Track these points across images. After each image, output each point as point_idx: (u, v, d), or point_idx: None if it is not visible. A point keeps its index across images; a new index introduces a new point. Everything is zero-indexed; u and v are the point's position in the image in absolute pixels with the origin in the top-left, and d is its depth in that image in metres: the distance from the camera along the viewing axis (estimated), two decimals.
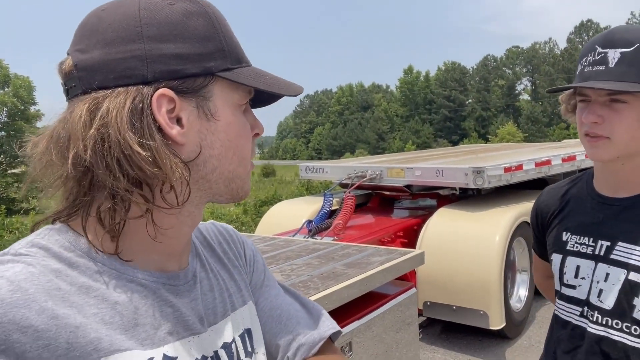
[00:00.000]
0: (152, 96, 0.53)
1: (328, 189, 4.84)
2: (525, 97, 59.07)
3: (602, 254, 1.06)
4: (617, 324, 1.03)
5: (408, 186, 4.47)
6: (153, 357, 0.54)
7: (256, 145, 0.65)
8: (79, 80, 0.54)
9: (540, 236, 1.28)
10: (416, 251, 2.59)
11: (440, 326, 4.21)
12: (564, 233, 1.15)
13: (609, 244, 1.06)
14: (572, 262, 1.12)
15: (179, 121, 0.55)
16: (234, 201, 0.62)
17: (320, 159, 58.89)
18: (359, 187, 4.62)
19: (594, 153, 1.03)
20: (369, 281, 2.15)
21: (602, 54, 0.99)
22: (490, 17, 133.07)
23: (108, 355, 0.51)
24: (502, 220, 3.78)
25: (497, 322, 3.58)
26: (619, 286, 1.02)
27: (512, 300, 3.96)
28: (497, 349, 3.82)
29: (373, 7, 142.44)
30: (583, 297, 1.09)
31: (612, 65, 0.98)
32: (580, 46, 52.26)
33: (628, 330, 1.01)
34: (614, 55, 0.98)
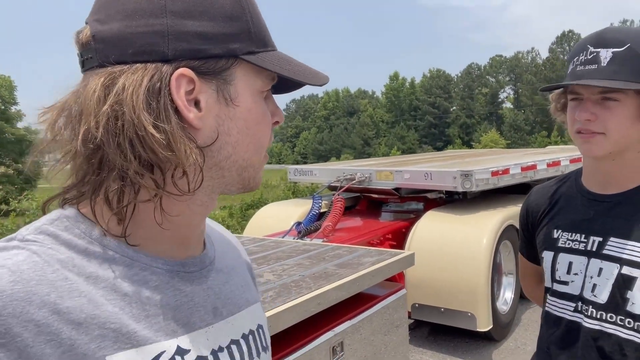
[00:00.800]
0: (171, 75, 0.50)
1: (317, 191, 4.84)
2: (508, 105, 60.07)
3: (594, 249, 1.09)
4: (611, 317, 1.05)
5: (396, 189, 4.49)
6: (164, 351, 0.51)
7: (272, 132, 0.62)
8: (95, 53, 0.51)
9: (529, 237, 1.30)
10: (406, 252, 2.61)
11: (428, 328, 4.23)
12: (555, 230, 1.17)
13: (601, 239, 1.08)
14: (564, 258, 1.13)
15: (197, 104, 0.52)
16: (245, 191, 0.60)
17: (305, 163, 58.85)
18: (348, 190, 4.63)
19: (588, 149, 1.05)
20: (360, 281, 2.15)
21: (595, 54, 1.02)
22: (475, 27, 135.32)
23: (116, 351, 0.48)
24: (489, 224, 3.83)
25: (484, 324, 3.61)
26: (612, 280, 1.05)
27: (498, 302, 4.01)
28: (484, 351, 3.86)
29: (360, 13, 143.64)
30: (576, 292, 1.11)
31: (604, 64, 1.00)
32: (561, 56, 53.44)
33: (622, 323, 1.04)
34: (606, 54, 1.00)
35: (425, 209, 4.45)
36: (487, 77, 61.37)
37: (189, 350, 0.54)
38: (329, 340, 1.95)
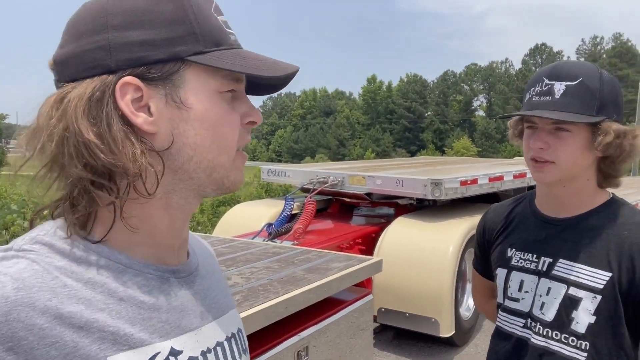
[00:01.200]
0: (115, 84, 0.53)
1: (289, 192, 4.85)
2: (481, 113, 61.42)
3: (544, 269, 1.14)
4: (556, 335, 1.11)
5: (368, 194, 4.55)
6: (159, 352, 0.54)
7: (248, 132, 0.62)
8: (57, 74, 0.56)
9: (484, 253, 1.35)
10: (375, 258, 2.65)
11: (393, 332, 4.30)
12: (509, 249, 1.23)
13: (551, 260, 1.14)
14: (516, 276, 1.19)
15: (148, 109, 0.54)
16: (223, 192, 0.61)
17: (280, 161, 58.62)
18: (320, 193, 4.66)
19: (540, 176, 1.12)
20: (328, 287, 2.18)
21: (549, 86, 1.08)
22: (452, 34, 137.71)
23: (116, 353, 0.51)
24: (456, 232, 3.92)
25: (447, 330, 3.70)
26: (559, 300, 1.10)
27: (461, 308, 4.11)
28: (446, 356, 3.95)
29: (340, 14, 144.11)
30: (526, 309, 1.16)
31: (558, 97, 1.07)
32: (534, 68, 55.06)
33: (566, 341, 1.09)
34: (559, 87, 1.07)
35: (396, 215, 4.53)
36: (462, 84, 62.60)
37: (181, 351, 0.57)
38: (295, 344, 1.97)
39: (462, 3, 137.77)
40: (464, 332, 4.05)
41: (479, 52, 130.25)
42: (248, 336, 1.69)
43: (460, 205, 4.67)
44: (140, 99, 0.54)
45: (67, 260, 0.52)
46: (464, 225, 4.02)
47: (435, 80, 63.34)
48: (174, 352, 0.56)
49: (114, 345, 0.51)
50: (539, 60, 58.21)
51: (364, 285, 3.42)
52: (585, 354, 1.07)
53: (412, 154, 47.76)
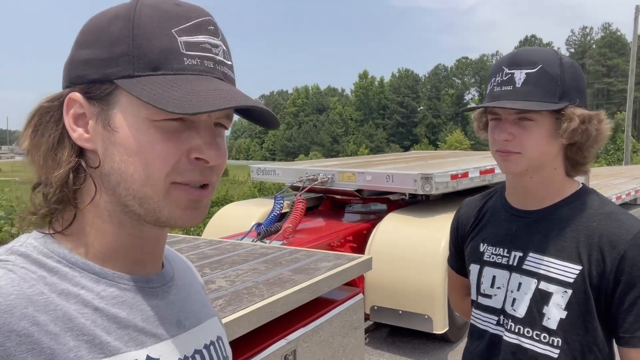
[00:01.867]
0: (64, 99, 0.56)
1: (279, 191, 4.79)
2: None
3: (515, 264, 1.11)
4: (528, 332, 1.07)
5: (359, 190, 4.50)
6: (137, 359, 0.55)
7: (198, 168, 0.56)
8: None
9: (458, 249, 1.32)
10: (364, 257, 2.60)
11: (387, 330, 4.27)
12: (481, 244, 1.19)
13: (521, 254, 1.11)
14: (488, 272, 1.16)
15: (85, 125, 0.57)
16: (162, 226, 0.58)
17: (274, 159, 58.56)
18: (311, 190, 4.60)
19: (506, 166, 1.08)
20: (316, 287, 2.12)
21: (509, 75, 1.05)
22: (443, 28, 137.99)
23: None
24: (447, 226, 3.86)
25: (440, 327, 3.66)
26: (530, 295, 1.07)
27: None
28: (440, 352, 3.92)
29: (330, 10, 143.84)
30: (499, 306, 1.13)
31: (519, 85, 1.03)
32: None
33: (538, 338, 1.06)
34: (520, 75, 1.03)
35: (388, 211, 4.48)
36: (454, 78, 62.78)
37: (158, 359, 0.57)
38: (281, 348, 1.91)
39: None
40: (458, 328, 4.01)
41: (469, 45, 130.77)
42: (234, 341, 1.66)
43: (452, 199, 4.63)
44: (83, 115, 0.56)
45: (42, 270, 0.53)
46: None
47: (427, 75, 63.52)
48: None
49: (89, 353, 0.51)
50: None
51: (356, 284, 3.37)
52: (557, 351, 1.04)
53: (406, 148, 47.83)
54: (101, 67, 0.54)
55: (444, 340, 3.97)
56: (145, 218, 0.57)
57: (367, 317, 3.73)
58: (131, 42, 0.53)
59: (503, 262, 1.13)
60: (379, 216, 4.42)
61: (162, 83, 0.52)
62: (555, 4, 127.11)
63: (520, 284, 1.09)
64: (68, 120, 0.56)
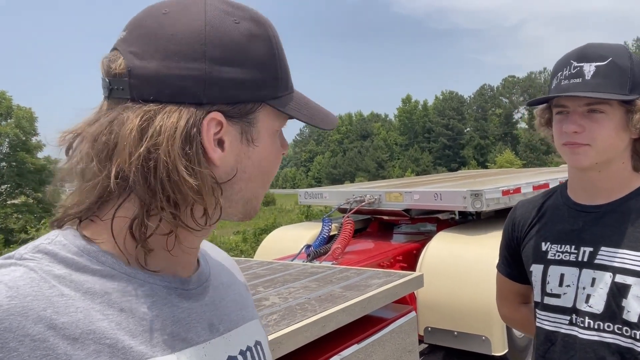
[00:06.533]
0: (203, 119, 0.52)
1: (326, 214, 4.82)
2: (523, 125, 59.67)
3: (585, 259, 1.08)
4: (608, 326, 1.04)
5: (407, 210, 4.45)
6: None
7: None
8: (129, 87, 0.52)
9: (512, 252, 1.28)
10: (415, 273, 2.57)
11: (443, 353, 4.12)
12: (543, 243, 1.16)
13: (591, 249, 1.08)
14: (555, 270, 1.13)
15: (220, 144, 0.55)
16: (244, 220, 0.62)
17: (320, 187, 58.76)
18: (358, 212, 4.61)
19: (575, 159, 1.06)
20: (367, 303, 2.12)
21: (578, 68, 1.04)
22: (487, 48, 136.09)
23: None
24: None
25: (499, 348, 3.50)
26: (607, 289, 1.04)
27: None
28: None
29: (371, 38, 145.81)
30: (569, 304, 1.10)
31: (589, 78, 1.02)
32: None
33: (620, 332, 1.03)
34: (589, 68, 1.03)
35: (438, 230, 4.39)
36: (501, 97, 61.24)
37: None
38: None
39: (494, 16, 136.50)
40: (518, 350, 3.81)
41: (515, 64, 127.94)
42: (287, 356, 1.68)
43: (505, 216, 4.48)
44: (217, 133, 0.54)
45: (69, 269, 0.51)
46: None
47: (472, 96, 62.39)
48: None
49: (110, 358, 0.48)
50: None
51: (407, 304, 3.31)
52: None
53: (453, 171, 46.83)
54: (254, 89, 0.55)
55: None
56: (235, 215, 0.60)
57: (421, 340, 3.63)
58: (278, 65, 0.58)
59: (571, 259, 1.11)
60: (429, 236, 4.34)
61: (298, 102, 0.61)
62: (602, 17, 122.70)
63: (594, 279, 1.06)
64: (209, 142, 0.53)
